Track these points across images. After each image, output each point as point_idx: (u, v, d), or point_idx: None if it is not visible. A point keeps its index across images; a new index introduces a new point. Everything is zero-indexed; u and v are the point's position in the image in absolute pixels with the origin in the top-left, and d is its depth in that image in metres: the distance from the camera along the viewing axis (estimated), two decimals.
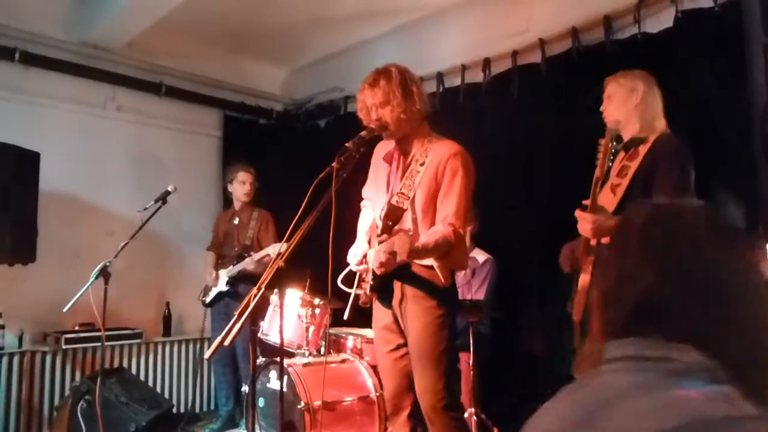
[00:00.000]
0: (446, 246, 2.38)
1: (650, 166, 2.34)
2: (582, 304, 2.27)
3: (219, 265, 4.55)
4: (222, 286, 4.43)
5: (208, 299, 4.52)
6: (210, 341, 4.75)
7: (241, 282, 4.37)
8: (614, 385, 0.78)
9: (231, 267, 4.41)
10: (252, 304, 1.82)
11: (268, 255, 4.08)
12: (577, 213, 2.35)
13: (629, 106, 2.45)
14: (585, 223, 2.30)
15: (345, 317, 2.61)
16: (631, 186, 2.35)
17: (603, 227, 2.25)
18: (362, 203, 2.89)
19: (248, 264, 4.25)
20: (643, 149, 2.39)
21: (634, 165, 2.37)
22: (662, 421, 0.68)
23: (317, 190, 2.07)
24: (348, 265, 2.63)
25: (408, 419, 2.58)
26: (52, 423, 4.00)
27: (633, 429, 0.70)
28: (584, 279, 2.31)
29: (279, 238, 4.33)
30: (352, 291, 2.59)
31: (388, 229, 2.42)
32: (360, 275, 2.59)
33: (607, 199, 2.40)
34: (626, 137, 2.47)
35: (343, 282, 2.61)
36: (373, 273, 2.42)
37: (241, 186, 4.61)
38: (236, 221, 4.64)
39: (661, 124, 2.45)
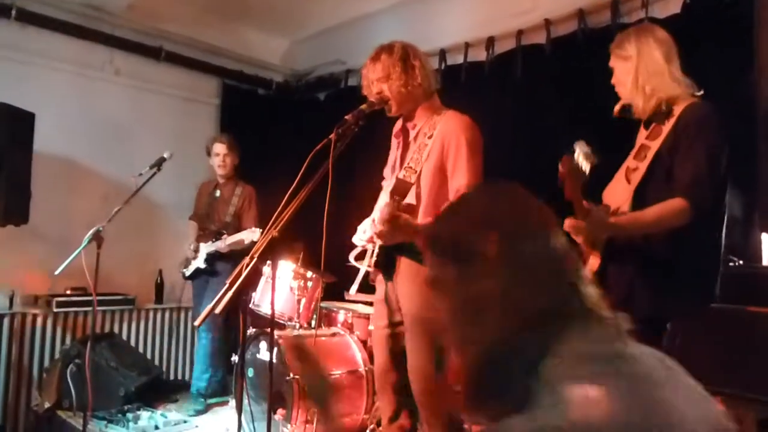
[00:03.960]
0: None
1: (673, 145, 1.97)
2: None
3: (200, 236, 4.33)
4: (200, 262, 4.21)
5: (188, 272, 4.33)
6: (193, 311, 4.55)
7: (218, 260, 4.18)
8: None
9: (210, 243, 4.18)
10: (243, 275, 1.80)
11: (242, 240, 3.89)
12: (568, 223, 1.98)
13: (629, 77, 2.11)
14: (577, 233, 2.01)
15: (353, 292, 2.58)
16: (651, 170, 2.00)
17: (597, 240, 2.04)
18: (382, 183, 2.81)
19: (220, 247, 4.05)
20: (668, 125, 2.00)
21: (655, 145, 2.01)
22: None
23: (313, 162, 2.05)
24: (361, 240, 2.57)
25: (394, 397, 2.50)
26: (41, 385, 4.00)
27: None
28: (592, 264, 2.09)
29: (262, 217, 4.17)
30: (362, 266, 2.54)
31: (396, 204, 2.37)
32: (369, 251, 2.53)
33: (619, 187, 2.10)
34: (640, 113, 2.13)
35: (355, 258, 2.58)
36: (379, 248, 2.38)
37: (215, 158, 4.34)
38: (218, 194, 4.40)
39: (680, 89, 2.05)
